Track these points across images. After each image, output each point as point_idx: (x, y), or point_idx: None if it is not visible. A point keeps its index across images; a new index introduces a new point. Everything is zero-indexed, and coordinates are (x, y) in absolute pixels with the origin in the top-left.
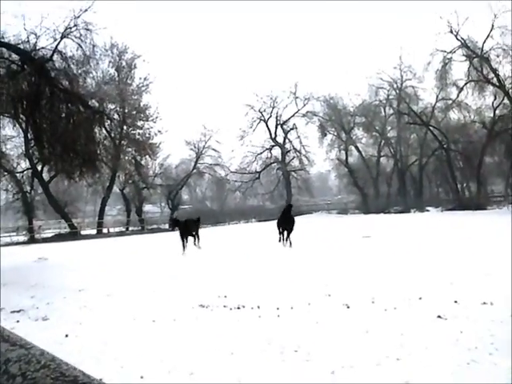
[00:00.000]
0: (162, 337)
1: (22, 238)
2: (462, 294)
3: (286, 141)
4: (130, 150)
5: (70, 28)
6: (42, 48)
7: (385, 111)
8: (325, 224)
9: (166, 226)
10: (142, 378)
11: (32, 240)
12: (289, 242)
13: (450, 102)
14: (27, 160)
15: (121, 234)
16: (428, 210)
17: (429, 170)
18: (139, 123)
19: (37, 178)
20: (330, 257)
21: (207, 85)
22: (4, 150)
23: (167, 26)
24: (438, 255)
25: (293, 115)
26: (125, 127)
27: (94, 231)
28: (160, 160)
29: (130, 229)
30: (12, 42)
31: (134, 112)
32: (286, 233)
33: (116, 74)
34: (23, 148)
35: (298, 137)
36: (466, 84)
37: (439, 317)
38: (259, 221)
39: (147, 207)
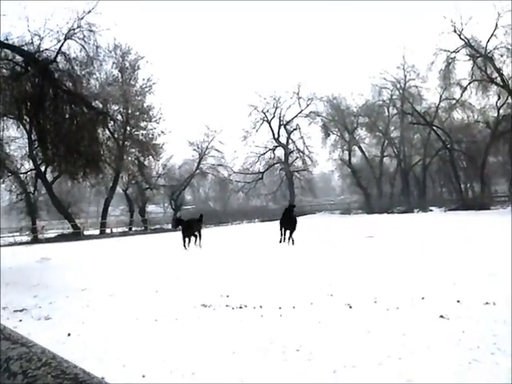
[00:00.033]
0: (164, 336)
1: (25, 238)
2: (465, 294)
3: (289, 141)
4: (133, 150)
5: (74, 29)
6: (46, 49)
7: (388, 111)
8: (328, 224)
9: (169, 227)
10: (143, 377)
11: (35, 240)
12: (291, 240)
13: (454, 101)
14: (31, 161)
15: (124, 234)
16: (431, 210)
17: (432, 170)
18: (142, 124)
19: (40, 178)
20: (332, 257)
21: (210, 85)
22: (8, 151)
23: (170, 27)
24: (440, 255)
25: (296, 115)
26: (128, 128)
27: (97, 231)
28: (163, 160)
29: (133, 229)
30: (16, 44)
31: (138, 113)
32: (288, 232)
33: (119, 75)
34: (27, 149)
35: (301, 137)
36: (469, 84)
37: (442, 317)
38: (262, 221)
39: (150, 207)
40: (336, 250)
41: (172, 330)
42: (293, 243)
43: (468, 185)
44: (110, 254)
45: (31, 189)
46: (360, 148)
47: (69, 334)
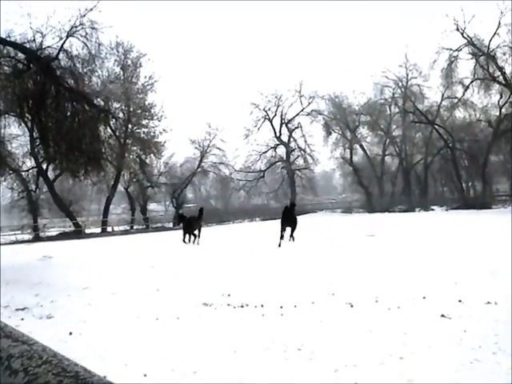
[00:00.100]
0: (165, 335)
1: (26, 237)
2: (466, 294)
3: (291, 139)
4: (134, 148)
5: (76, 27)
6: (48, 47)
7: (390, 110)
8: (329, 223)
9: (171, 225)
10: (145, 376)
11: (37, 238)
12: (292, 238)
13: (456, 100)
14: (32, 159)
15: (125, 232)
16: (433, 209)
17: (434, 169)
18: (144, 122)
19: (42, 176)
20: (333, 256)
21: (212, 83)
22: (10, 148)
23: (172, 25)
24: (442, 254)
25: (297, 114)
26: (130, 126)
27: (98, 230)
28: (165, 159)
29: (135, 227)
30: (18, 41)
31: (139, 111)
32: (289, 230)
33: (121, 73)
34: (28, 147)
35: (303, 135)
36: (471, 82)
37: (443, 316)
38: (263, 220)
39: (152, 206)
40: (337, 249)
41: (173, 328)
42: (293, 240)
43: (470, 184)
44: (112, 253)
45: (33, 187)
46: (361, 146)
47: (70, 333)
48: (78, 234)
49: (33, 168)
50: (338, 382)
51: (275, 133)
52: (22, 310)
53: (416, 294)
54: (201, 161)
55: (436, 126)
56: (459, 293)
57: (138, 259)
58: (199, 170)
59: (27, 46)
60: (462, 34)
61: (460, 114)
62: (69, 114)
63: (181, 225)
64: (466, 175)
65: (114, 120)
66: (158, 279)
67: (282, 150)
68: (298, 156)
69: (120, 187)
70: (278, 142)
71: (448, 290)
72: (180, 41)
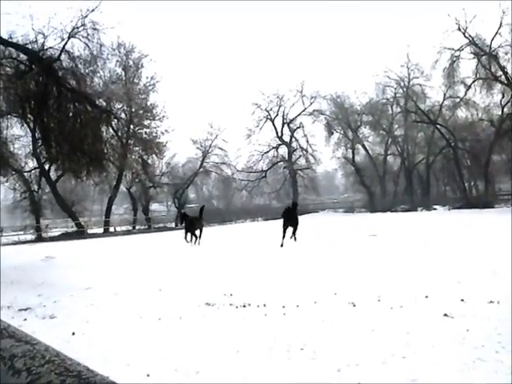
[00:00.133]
0: (168, 335)
1: (29, 237)
2: (469, 293)
3: (293, 139)
4: (136, 149)
5: (78, 28)
6: (50, 48)
7: (392, 109)
8: (331, 223)
9: (173, 225)
10: (148, 376)
11: (39, 239)
12: (294, 238)
13: (458, 100)
14: (35, 159)
15: (127, 232)
16: (435, 209)
17: (436, 169)
18: (146, 122)
19: (44, 177)
20: (336, 255)
21: (214, 84)
22: (12, 149)
23: (173, 25)
24: (444, 254)
25: (299, 114)
26: (132, 126)
27: (100, 230)
28: (167, 159)
29: (137, 227)
30: (20, 42)
31: (141, 111)
32: (291, 230)
33: (123, 74)
34: (31, 147)
35: (305, 135)
36: (473, 82)
37: (446, 315)
38: (266, 219)
39: (154, 206)
40: (339, 248)
41: (176, 328)
42: (295, 240)
43: (472, 183)
44: (114, 253)
45: (35, 187)
46: (363, 146)
47: (73, 333)
48: (80, 234)
49: (35, 168)
50: (341, 381)
51: (277, 133)
52: (25, 310)
53: (418, 293)
54: (203, 161)
55: (438, 126)
56: (462, 292)
57: (141, 259)
58: (201, 170)
59: (29, 47)
60: (463, 33)
61: (462, 113)
62: (71, 114)
63: (183, 224)
64: (469, 174)
65: (115, 120)
66: (160, 279)
67: (283, 150)
68: (300, 156)
69: (122, 187)
70: (279, 142)
71: (451, 289)
72: (181, 41)
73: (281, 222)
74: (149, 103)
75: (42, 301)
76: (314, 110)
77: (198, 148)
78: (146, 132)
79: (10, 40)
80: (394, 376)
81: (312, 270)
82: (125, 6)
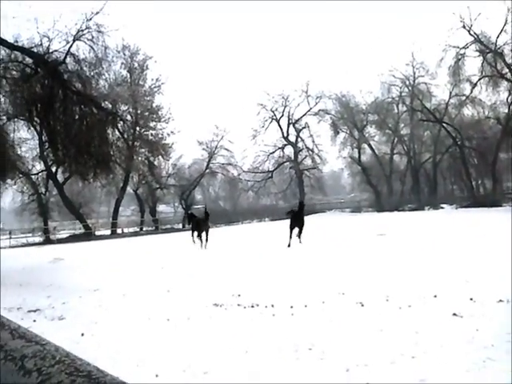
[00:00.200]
0: (176, 336)
1: (37, 239)
2: (478, 292)
3: (299, 139)
4: (143, 150)
5: (82, 30)
6: (55, 51)
7: (398, 108)
8: (338, 222)
9: (180, 226)
10: (157, 376)
11: (47, 241)
12: (299, 239)
13: (464, 98)
14: (42, 162)
15: (135, 234)
16: (442, 208)
17: (443, 167)
18: (152, 124)
19: (51, 179)
20: (343, 255)
21: (219, 85)
22: (19, 152)
23: (178, 27)
24: (453, 253)
25: (305, 114)
26: (137, 128)
27: (108, 232)
28: (173, 160)
29: (144, 229)
30: (26, 46)
31: (147, 113)
32: (297, 230)
33: (128, 76)
34: (38, 150)
35: (311, 135)
36: (479, 80)
37: (455, 315)
38: (272, 220)
39: (161, 207)
40: (347, 248)
41: (184, 329)
42: (300, 241)
43: (479, 182)
44: (122, 254)
45: (43, 190)
46: (370, 146)
47: (82, 334)
48: (87, 236)
49: (42, 171)
50: (350, 381)
51: (283, 133)
52: (34, 311)
53: (427, 292)
54: (209, 162)
55: (444, 124)
56: (471, 291)
57: (148, 260)
58: (207, 171)
59: (35, 50)
60: (468, 31)
61: (468, 111)
62: (77, 117)
63: (190, 225)
64: (476, 173)
65: (121, 122)
66: (168, 280)
67: (289, 150)
68: (306, 156)
69: (129, 189)
70: (285, 143)
71: (459, 288)
72: (186, 42)
73: (287, 222)
74: (154, 105)
75: (51, 302)
76: (320, 110)
77: (203, 149)
78: (151, 134)
79: (15, 44)
80: (403, 376)
81: (320, 269)
82: (129, 8)
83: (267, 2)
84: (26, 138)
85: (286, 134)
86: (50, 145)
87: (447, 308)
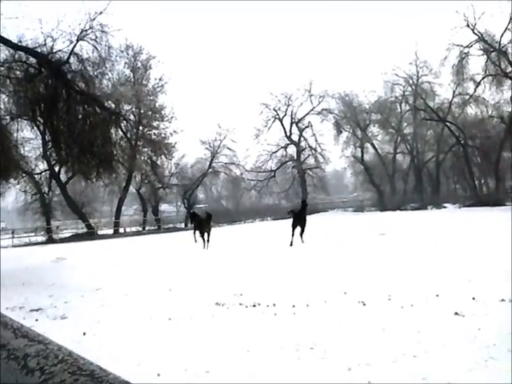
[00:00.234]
0: (178, 335)
1: (40, 239)
2: (480, 291)
3: (301, 139)
4: (145, 150)
5: (86, 30)
6: (59, 51)
7: (401, 107)
8: (341, 222)
9: (182, 225)
10: (158, 375)
11: (50, 240)
12: (301, 239)
13: (467, 97)
14: (45, 162)
15: (137, 233)
16: (445, 207)
17: (446, 167)
18: (155, 123)
19: (54, 179)
20: (345, 254)
21: (222, 84)
22: (22, 152)
23: (181, 27)
24: (455, 252)
25: (308, 113)
26: (141, 128)
27: (110, 231)
28: (176, 160)
29: (147, 228)
30: (29, 46)
31: (150, 112)
32: (300, 229)
33: (131, 75)
34: (41, 150)
35: (314, 135)
36: (483, 78)
37: (457, 314)
38: (275, 219)
39: (163, 207)
40: (349, 247)
41: (186, 328)
42: (302, 241)
43: (482, 181)
44: (124, 254)
45: (45, 189)
46: (373, 145)
47: (84, 333)
48: (90, 235)
49: (45, 171)
50: (351, 380)
51: (285, 132)
52: (37, 310)
53: (429, 291)
54: (211, 161)
55: (447, 123)
56: (473, 290)
57: (151, 260)
58: (210, 170)
59: (38, 50)
60: (472, 30)
61: (472, 110)
62: (80, 116)
63: (193, 224)
64: (479, 172)
65: (124, 122)
66: (170, 279)
67: (292, 150)
68: (309, 155)
69: (132, 189)
70: (288, 142)
71: (461, 287)
72: (189, 42)
73: (290, 221)
74: (157, 104)
75: (53, 301)
76: (323, 109)
77: (206, 148)
78: (154, 133)
79: (19, 44)
80: (405, 375)
81: (321, 269)
82: (132, 8)
83: (271, 2)
84: (29, 138)
85: (288, 134)
86: (53, 144)
87: (449, 307)
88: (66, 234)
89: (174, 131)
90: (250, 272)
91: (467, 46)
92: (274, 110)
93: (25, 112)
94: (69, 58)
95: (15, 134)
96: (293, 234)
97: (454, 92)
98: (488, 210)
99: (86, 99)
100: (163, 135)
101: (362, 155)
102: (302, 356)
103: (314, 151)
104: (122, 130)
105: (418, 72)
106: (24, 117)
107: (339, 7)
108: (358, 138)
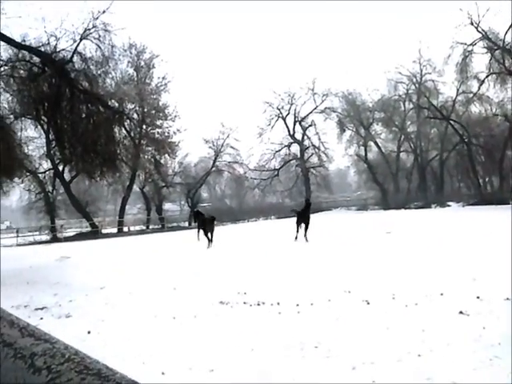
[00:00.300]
0: (182, 333)
1: (44, 238)
2: (485, 290)
3: (305, 137)
4: (149, 149)
5: (89, 29)
6: (62, 50)
7: (404, 106)
8: (344, 220)
9: (186, 224)
10: (163, 374)
11: (54, 239)
12: (305, 237)
13: (471, 95)
14: (49, 160)
15: (141, 232)
16: (449, 206)
17: (450, 165)
18: (158, 122)
19: (58, 178)
20: (349, 253)
21: (225, 83)
22: (26, 151)
23: (184, 25)
24: (459, 251)
25: (311, 112)
26: (144, 126)
27: (114, 230)
28: (179, 158)
29: (151, 227)
30: (33, 45)
31: (153, 111)
32: (304, 228)
33: (135, 74)
34: (45, 149)
35: (317, 133)
36: (487, 77)
37: (461, 313)
38: (278, 218)
39: (167, 205)
40: (353, 246)
41: (190, 327)
42: (306, 240)
43: (486, 179)
44: (128, 252)
45: (49, 188)
46: (376, 143)
47: (89, 332)
48: (94, 234)
49: (49, 170)
50: (356, 379)
51: (289, 131)
52: (41, 309)
53: (433, 290)
54: (215, 160)
55: (451, 122)
56: (477, 289)
57: (155, 259)
58: (213, 169)
59: (42, 49)
60: (476, 27)
61: (476, 108)
62: (84, 115)
63: (196, 222)
64: (483, 171)
65: (128, 121)
66: (174, 278)
67: (295, 148)
68: (312, 154)
69: (135, 187)
70: (291, 140)
71: (466, 286)
72: (192, 41)
73: (294, 220)
74: (161, 103)
75: (58, 300)
76: (326, 108)
77: (210, 147)
78: (158, 132)
79: (23, 43)
80: (409, 374)
81: (325, 268)
82: (135, 7)
83: (274, 2)
84: (33, 137)
85: (292, 132)
86: (56, 143)
87: (454, 306)
88: (70, 232)
89: (178, 130)
90: (253, 271)
91: (471, 44)
92: (277, 108)
93: (28, 111)
94: (72, 57)
95: (19, 133)
96: (298, 230)
97: (457, 90)
98: (492, 208)
99: (90, 98)
100: (167, 134)
101: (366, 154)
102: (306, 355)
103: (317, 150)
104: (125, 128)
105: (421, 70)
106: (28, 116)
107: (342, 6)
108: (362, 137)
